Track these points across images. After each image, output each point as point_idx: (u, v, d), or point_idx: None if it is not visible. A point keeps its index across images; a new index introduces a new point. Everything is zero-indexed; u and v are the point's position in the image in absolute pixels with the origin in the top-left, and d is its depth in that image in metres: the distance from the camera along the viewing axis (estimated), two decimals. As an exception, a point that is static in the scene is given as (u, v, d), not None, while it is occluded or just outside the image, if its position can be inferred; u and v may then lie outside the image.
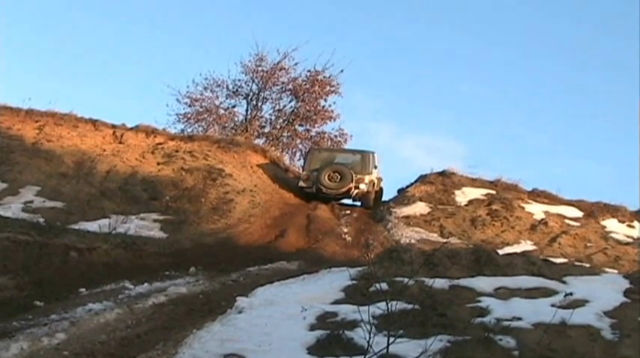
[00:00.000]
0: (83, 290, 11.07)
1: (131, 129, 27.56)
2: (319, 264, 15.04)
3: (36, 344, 8.08)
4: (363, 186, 26.04)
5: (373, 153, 27.69)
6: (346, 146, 36.48)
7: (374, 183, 26.85)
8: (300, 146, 37.36)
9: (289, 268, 15.10)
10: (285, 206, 24.57)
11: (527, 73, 63.30)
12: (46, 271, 11.86)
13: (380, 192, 28.03)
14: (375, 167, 27.23)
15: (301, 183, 26.62)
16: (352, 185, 25.82)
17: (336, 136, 37.45)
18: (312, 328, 9.06)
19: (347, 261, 15.70)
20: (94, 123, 27.24)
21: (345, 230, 22.25)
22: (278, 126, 37.98)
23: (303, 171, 28.06)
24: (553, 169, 58.76)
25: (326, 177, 25.85)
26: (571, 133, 62.45)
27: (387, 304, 7.71)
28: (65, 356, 7.85)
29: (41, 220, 16.90)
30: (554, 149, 61.21)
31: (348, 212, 25.28)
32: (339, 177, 25.93)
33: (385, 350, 7.02)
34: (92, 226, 17.28)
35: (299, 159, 35.74)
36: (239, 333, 8.77)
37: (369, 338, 6.74)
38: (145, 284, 11.76)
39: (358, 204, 26.85)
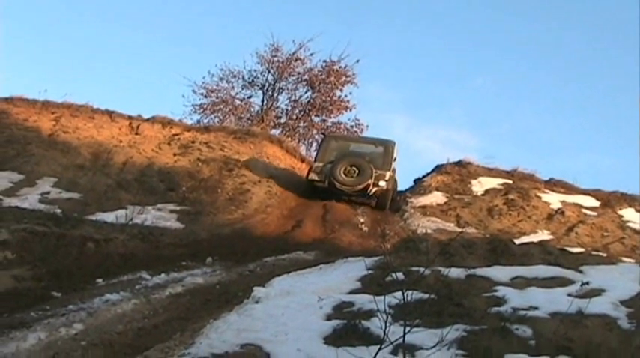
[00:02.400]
0: (100, 280, 11.11)
1: (147, 120, 27.63)
2: (336, 254, 15.04)
3: (54, 334, 8.14)
4: (382, 184, 23.24)
5: (394, 143, 24.83)
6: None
7: (395, 180, 24.57)
8: (316, 136, 37.31)
9: (306, 258, 15.10)
10: (301, 196, 24.45)
11: (541, 66, 63.05)
12: (63, 262, 11.89)
13: (395, 186, 25.48)
14: (395, 159, 24.45)
15: (312, 176, 23.87)
16: (371, 181, 23.03)
17: (352, 126, 37.42)
18: (329, 318, 9.08)
19: (363, 251, 15.68)
20: (110, 114, 27.31)
21: (362, 220, 22.17)
22: (294, 117, 38.00)
23: (315, 161, 24.81)
24: (568, 163, 58.72)
25: (342, 171, 23.06)
26: (586, 126, 62.20)
27: (403, 294, 7.71)
28: (83, 347, 7.90)
29: (58, 211, 16.92)
30: (569, 142, 61.01)
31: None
32: (356, 171, 23.11)
33: (401, 340, 7.02)
34: (109, 217, 17.30)
35: (315, 150, 35.60)
36: (256, 323, 8.80)
37: (385, 327, 6.74)
38: (162, 275, 11.79)
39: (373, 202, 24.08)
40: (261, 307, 9.59)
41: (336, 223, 20.79)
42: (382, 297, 8.26)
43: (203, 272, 12.46)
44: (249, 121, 36.43)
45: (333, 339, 8.26)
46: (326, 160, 23.91)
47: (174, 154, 25.03)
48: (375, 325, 8.22)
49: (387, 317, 6.98)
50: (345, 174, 23.13)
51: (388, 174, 23.51)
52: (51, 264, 11.58)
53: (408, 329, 7.07)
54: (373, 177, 23.03)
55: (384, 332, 6.75)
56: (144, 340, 8.25)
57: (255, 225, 19.50)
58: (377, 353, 6.62)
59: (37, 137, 23.94)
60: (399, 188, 26.74)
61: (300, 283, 11.18)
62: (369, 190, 23.21)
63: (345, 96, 37.73)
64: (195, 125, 30.84)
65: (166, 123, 27.73)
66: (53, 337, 8.05)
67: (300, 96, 38.24)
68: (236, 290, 11.02)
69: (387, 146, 24.49)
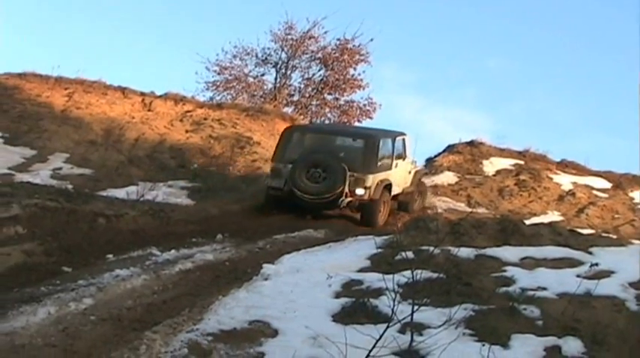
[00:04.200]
0: (110, 256, 11.14)
1: (160, 96, 27.64)
2: (345, 233, 15.08)
3: (63, 308, 8.17)
4: (360, 192, 16.94)
5: (397, 136, 19.23)
6: (374, 117, 35.99)
7: (389, 186, 17.92)
8: (328, 114, 37.22)
9: (316, 236, 15.10)
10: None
11: (555, 47, 62.62)
12: (74, 237, 11.92)
13: (424, 189, 21.30)
14: (404, 157, 19.32)
15: (268, 181, 17.93)
16: (343, 188, 16.79)
17: (365, 105, 37.16)
18: (338, 296, 9.12)
19: (373, 229, 15.70)
20: (122, 90, 27.33)
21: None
22: (307, 95, 37.82)
23: (273, 161, 18.36)
24: (579, 145, 58.52)
25: (302, 175, 16.85)
26: (599, 107, 61.80)
27: (412, 273, 7.73)
28: (92, 321, 7.93)
29: (69, 187, 16.93)
30: (582, 123, 60.70)
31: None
32: (322, 175, 16.90)
33: (409, 318, 7.04)
34: (120, 193, 17.31)
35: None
36: (264, 300, 8.84)
37: (394, 306, 6.76)
38: (172, 251, 11.80)
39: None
40: (271, 284, 9.63)
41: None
42: (391, 276, 8.29)
43: (213, 249, 12.48)
44: (262, 99, 36.32)
45: (342, 317, 8.29)
46: (286, 160, 17.67)
47: (187, 131, 25.05)
48: (383, 303, 8.25)
49: (396, 296, 7.01)
50: (308, 179, 16.92)
51: (371, 178, 17.23)
52: (61, 239, 11.62)
53: (416, 308, 7.11)
54: (347, 183, 16.89)
55: (393, 310, 6.77)
56: (153, 316, 8.28)
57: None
58: (385, 332, 6.64)
59: (49, 113, 24.01)
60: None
61: (310, 261, 11.22)
62: (340, 200, 16.90)
63: (359, 74, 37.55)
64: (207, 102, 30.81)
65: (179, 100, 27.73)
66: (63, 311, 8.09)
67: (314, 75, 38.03)
68: (245, 267, 11.04)
69: (370, 139, 18.07)
